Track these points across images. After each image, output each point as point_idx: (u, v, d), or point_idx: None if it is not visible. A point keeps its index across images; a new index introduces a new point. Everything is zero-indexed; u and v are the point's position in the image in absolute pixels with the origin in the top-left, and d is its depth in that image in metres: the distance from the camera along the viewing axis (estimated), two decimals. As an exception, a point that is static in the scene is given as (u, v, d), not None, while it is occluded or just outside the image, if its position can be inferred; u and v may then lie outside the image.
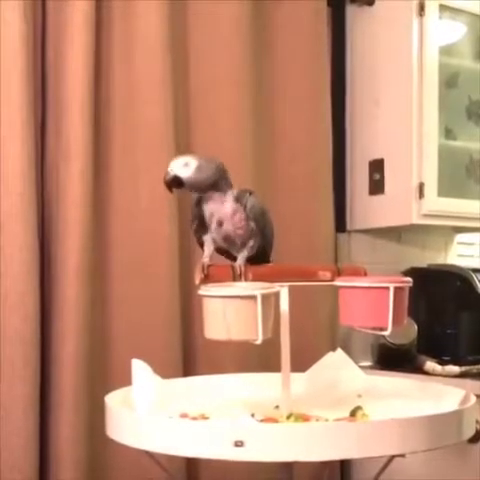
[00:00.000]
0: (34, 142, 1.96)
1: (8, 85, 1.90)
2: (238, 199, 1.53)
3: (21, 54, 1.91)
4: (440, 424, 1.27)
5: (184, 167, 1.50)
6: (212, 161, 1.54)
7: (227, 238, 1.56)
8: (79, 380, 1.96)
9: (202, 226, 1.57)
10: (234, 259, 1.57)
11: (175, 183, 1.51)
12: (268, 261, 1.64)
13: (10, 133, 1.90)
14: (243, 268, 1.51)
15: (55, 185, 2.02)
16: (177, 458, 1.76)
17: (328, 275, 1.53)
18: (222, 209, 1.53)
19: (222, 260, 1.60)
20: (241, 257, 1.55)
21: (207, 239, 1.58)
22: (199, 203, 1.55)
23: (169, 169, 1.51)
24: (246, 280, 1.49)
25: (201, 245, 1.60)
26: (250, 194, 1.55)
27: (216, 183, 1.52)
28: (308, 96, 2.45)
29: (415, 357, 2.38)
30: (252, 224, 1.54)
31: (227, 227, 1.54)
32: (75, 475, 1.93)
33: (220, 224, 1.54)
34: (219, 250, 1.60)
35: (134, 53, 2.12)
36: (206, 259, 1.54)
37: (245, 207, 1.53)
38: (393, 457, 1.28)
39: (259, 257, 1.59)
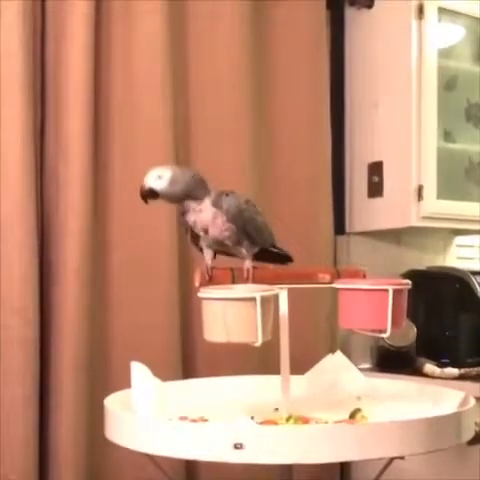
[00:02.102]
0: (33, 144, 1.96)
1: (7, 87, 1.90)
2: (215, 203, 1.54)
3: (20, 55, 1.91)
4: (439, 426, 1.28)
5: (158, 179, 1.53)
6: (186, 171, 1.57)
7: (217, 242, 1.57)
8: (79, 382, 1.95)
9: (196, 234, 1.59)
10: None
11: (150, 195, 1.54)
12: (288, 257, 1.67)
13: (10, 135, 1.90)
14: (251, 271, 1.52)
15: (55, 187, 2.02)
16: (176, 460, 1.76)
17: (327, 277, 1.54)
18: (202, 217, 1.54)
19: (223, 261, 1.60)
20: (248, 261, 1.55)
21: (204, 245, 1.59)
22: (183, 214, 1.57)
23: (144, 181, 1.54)
24: (254, 282, 1.50)
25: (202, 251, 1.61)
26: (227, 195, 1.55)
27: (191, 193, 1.53)
28: (307, 98, 2.45)
29: (414, 359, 2.38)
30: (232, 226, 1.54)
31: (213, 232, 1.55)
32: (74, 477, 1.93)
33: (205, 231, 1.55)
34: (219, 251, 1.61)
35: (134, 54, 2.12)
36: (209, 262, 1.55)
37: (222, 210, 1.53)
38: (392, 459, 1.28)
39: (274, 254, 1.63)
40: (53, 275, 2.00)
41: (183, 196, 1.53)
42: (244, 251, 1.57)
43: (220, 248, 1.59)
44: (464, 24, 2.51)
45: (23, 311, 1.89)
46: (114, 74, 2.12)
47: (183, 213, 1.56)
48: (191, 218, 1.55)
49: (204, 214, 1.53)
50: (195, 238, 1.60)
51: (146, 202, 1.56)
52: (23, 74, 1.92)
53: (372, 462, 1.26)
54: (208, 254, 1.58)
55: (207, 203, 1.53)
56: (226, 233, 1.54)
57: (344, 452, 1.19)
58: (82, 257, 1.98)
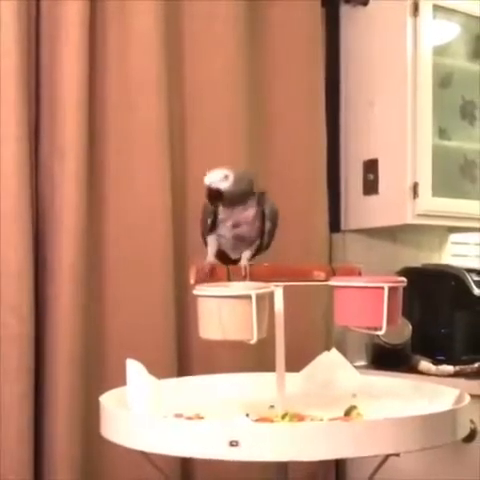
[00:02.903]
0: (28, 142, 1.96)
1: (2, 85, 1.90)
2: (259, 203, 1.56)
3: (15, 54, 1.91)
4: (434, 423, 1.28)
5: (224, 180, 1.51)
6: (246, 174, 1.59)
7: (238, 237, 1.57)
8: (74, 380, 1.95)
9: (213, 225, 1.58)
10: (229, 261, 1.58)
11: (218, 196, 1.52)
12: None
13: (4, 133, 1.90)
14: (248, 268, 1.52)
15: (49, 185, 2.02)
16: (172, 458, 1.76)
17: (323, 275, 1.54)
18: (243, 213, 1.55)
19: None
20: (245, 258, 1.56)
21: (211, 239, 1.59)
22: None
23: (208, 182, 1.51)
24: (252, 280, 1.50)
25: (206, 244, 1.61)
26: (265, 195, 1.58)
27: (246, 197, 1.55)
28: (302, 96, 2.45)
29: (409, 357, 2.38)
30: (269, 225, 1.57)
31: (243, 229, 1.56)
32: (70, 475, 1.93)
33: (236, 226, 1.56)
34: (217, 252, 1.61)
35: (129, 53, 2.12)
36: (211, 258, 1.55)
37: (264, 209, 1.56)
38: (388, 456, 1.29)
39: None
40: (48, 272, 2.00)
41: (240, 198, 1.54)
42: (249, 252, 1.58)
43: (229, 245, 1.59)
44: (459, 21, 2.51)
45: (18, 308, 1.89)
46: (109, 73, 2.12)
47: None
48: (226, 211, 1.55)
49: (248, 211, 1.55)
50: (211, 228, 1.59)
51: (213, 204, 1.54)
52: (18, 72, 1.92)
53: (367, 459, 1.26)
54: (212, 249, 1.58)
55: (253, 202, 1.55)
56: (254, 232, 1.57)
57: (339, 449, 1.19)
58: (77, 254, 1.98)
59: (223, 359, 2.12)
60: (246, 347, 1.35)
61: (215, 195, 1.51)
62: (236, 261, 1.60)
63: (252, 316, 1.30)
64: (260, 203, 1.56)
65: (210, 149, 2.24)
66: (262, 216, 1.57)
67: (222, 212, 1.56)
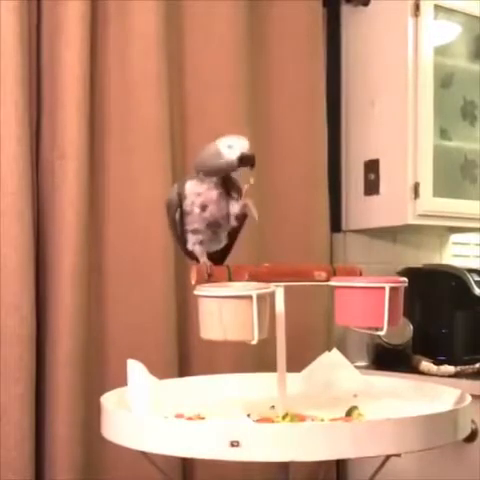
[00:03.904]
0: (29, 141, 1.96)
1: (3, 84, 1.90)
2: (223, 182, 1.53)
3: (16, 52, 1.91)
4: (436, 424, 1.28)
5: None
6: None
7: (212, 224, 1.55)
8: (74, 380, 1.95)
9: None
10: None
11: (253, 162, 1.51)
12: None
13: (5, 132, 1.90)
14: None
15: (50, 184, 2.02)
16: (172, 458, 1.76)
17: (323, 275, 1.53)
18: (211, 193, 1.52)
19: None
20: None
21: (191, 244, 1.58)
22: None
23: (248, 150, 1.50)
24: (250, 279, 1.49)
25: (189, 255, 1.59)
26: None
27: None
28: (303, 96, 2.45)
29: (410, 357, 2.38)
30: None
31: (213, 210, 1.53)
32: (70, 475, 1.93)
33: (203, 209, 1.53)
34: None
35: (130, 52, 2.12)
36: (205, 259, 1.54)
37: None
38: (389, 457, 1.28)
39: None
40: (49, 272, 2.00)
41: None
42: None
43: (206, 240, 1.58)
44: (460, 21, 2.51)
45: (19, 308, 1.89)
46: (110, 72, 2.12)
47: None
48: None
49: (212, 191, 1.53)
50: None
51: (252, 169, 1.51)
52: (19, 72, 1.92)
53: (368, 460, 1.26)
54: (202, 252, 1.57)
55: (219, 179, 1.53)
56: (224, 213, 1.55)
57: (340, 450, 1.19)
58: (77, 254, 1.98)
59: (224, 359, 2.12)
60: (247, 347, 1.35)
61: (253, 161, 1.50)
62: (220, 253, 1.60)
63: (253, 316, 1.30)
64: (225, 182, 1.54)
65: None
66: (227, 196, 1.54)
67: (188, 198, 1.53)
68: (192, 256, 1.58)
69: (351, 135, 2.61)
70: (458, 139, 2.49)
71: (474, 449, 2.02)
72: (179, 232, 1.57)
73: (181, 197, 1.54)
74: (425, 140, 2.40)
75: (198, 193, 1.52)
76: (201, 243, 1.56)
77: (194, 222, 1.55)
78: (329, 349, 1.72)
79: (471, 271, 2.46)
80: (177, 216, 1.55)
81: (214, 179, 1.52)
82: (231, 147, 1.50)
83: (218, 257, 1.60)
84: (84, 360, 1.99)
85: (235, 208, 1.55)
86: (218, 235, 1.58)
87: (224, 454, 1.18)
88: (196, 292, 1.36)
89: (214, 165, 1.51)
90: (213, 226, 1.55)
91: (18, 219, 1.90)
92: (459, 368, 2.24)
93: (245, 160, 1.49)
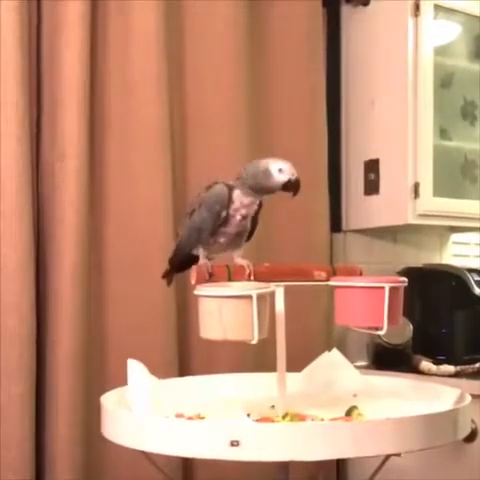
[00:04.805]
0: (29, 141, 1.96)
1: (3, 84, 1.90)
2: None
3: (16, 52, 1.91)
4: (435, 423, 1.28)
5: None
6: None
7: (240, 233, 1.57)
8: (75, 380, 1.95)
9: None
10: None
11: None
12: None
13: (5, 132, 1.90)
14: (252, 267, 1.52)
15: (50, 184, 2.02)
16: (173, 458, 1.76)
17: (323, 275, 1.53)
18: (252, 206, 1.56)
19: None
20: (239, 258, 1.56)
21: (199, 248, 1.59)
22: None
23: (295, 175, 1.57)
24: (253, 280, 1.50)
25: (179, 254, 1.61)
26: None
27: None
28: (303, 96, 2.45)
29: (410, 357, 2.38)
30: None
31: (247, 222, 1.57)
32: (70, 475, 1.93)
33: (244, 219, 1.56)
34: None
35: (130, 52, 2.12)
36: (206, 259, 1.54)
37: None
38: (389, 456, 1.28)
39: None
40: (48, 272, 2.00)
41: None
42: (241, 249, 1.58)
43: (229, 245, 1.59)
44: (460, 21, 2.51)
45: (18, 308, 1.89)
46: (110, 72, 2.12)
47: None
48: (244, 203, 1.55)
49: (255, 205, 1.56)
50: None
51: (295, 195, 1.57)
52: (19, 72, 1.92)
53: (368, 459, 1.26)
54: (203, 253, 1.57)
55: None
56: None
57: (340, 449, 1.19)
58: (77, 254, 1.98)
59: (224, 359, 2.12)
60: (247, 347, 1.35)
61: (298, 189, 1.57)
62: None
63: (253, 316, 1.30)
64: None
65: (211, 149, 2.24)
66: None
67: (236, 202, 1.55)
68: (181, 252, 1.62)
69: (351, 135, 2.61)
70: (458, 139, 2.49)
71: (474, 449, 2.02)
72: (212, 228, 1.56)
73: (229, 200, 1.55)
74: (425, 140, 2.40)
75: (244, 204, 1.54)
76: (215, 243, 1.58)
77: (230, 226, 1.56)
78: (329, 349, 1.72)
79: (471, 271, 2.46)
80: (223, 214, 1.54)
81: (258, 196, 1.55)
82: (281, 171, 1.54)
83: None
84: (84, 360, 1.99)
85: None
86: (237, 243, 1.60)
87: (224, 454, 1.18)
88: (196, 292, 1.36)
89: (263, 184, 1.53)
90: (238, 236, 1.58)
91: (18, 219, 1.90)
92: (459, 368, 2.24)
93: (291, 187, 1.56)
